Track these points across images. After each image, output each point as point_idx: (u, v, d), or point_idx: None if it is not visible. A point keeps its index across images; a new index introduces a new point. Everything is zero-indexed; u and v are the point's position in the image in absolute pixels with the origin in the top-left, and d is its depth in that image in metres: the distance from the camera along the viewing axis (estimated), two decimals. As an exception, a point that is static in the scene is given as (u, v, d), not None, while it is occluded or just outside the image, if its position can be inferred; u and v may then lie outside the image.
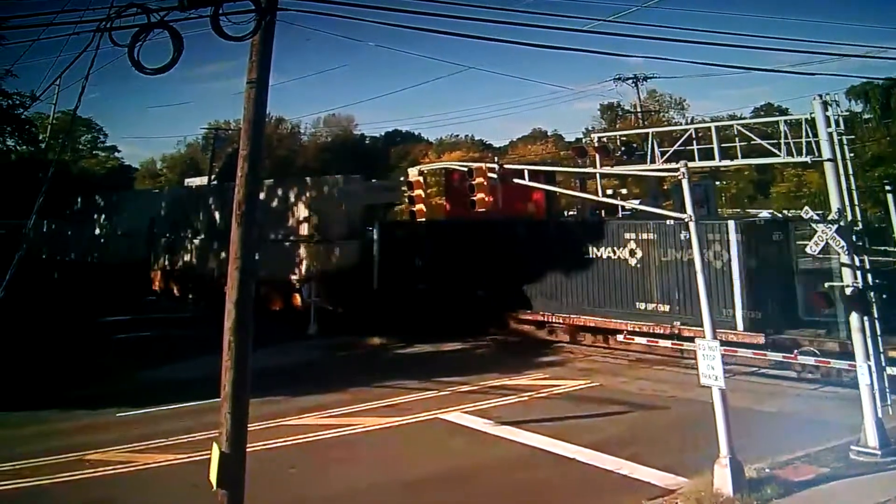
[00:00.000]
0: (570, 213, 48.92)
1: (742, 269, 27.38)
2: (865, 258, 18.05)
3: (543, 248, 34.89)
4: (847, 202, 17.93)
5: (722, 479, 15.38)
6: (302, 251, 44.89)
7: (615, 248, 31.42)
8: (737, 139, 21.94)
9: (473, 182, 22.31)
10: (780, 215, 32.90)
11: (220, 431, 11.77)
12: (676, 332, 28.25)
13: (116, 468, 19.21)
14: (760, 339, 26.45)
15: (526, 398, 25.00)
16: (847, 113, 22.88)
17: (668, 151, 22.79)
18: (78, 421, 23.68)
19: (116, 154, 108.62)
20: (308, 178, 50.39)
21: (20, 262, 17.66)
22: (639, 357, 29.90)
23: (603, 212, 39.03)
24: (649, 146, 23.37)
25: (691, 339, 21.39)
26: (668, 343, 28.27)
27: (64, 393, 26.43)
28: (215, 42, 11.77)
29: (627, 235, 30.83)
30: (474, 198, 22.27)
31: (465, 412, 23.29)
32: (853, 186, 18.12)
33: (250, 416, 12.04)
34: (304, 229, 45.17)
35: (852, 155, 18.66)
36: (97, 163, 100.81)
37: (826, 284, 20.43)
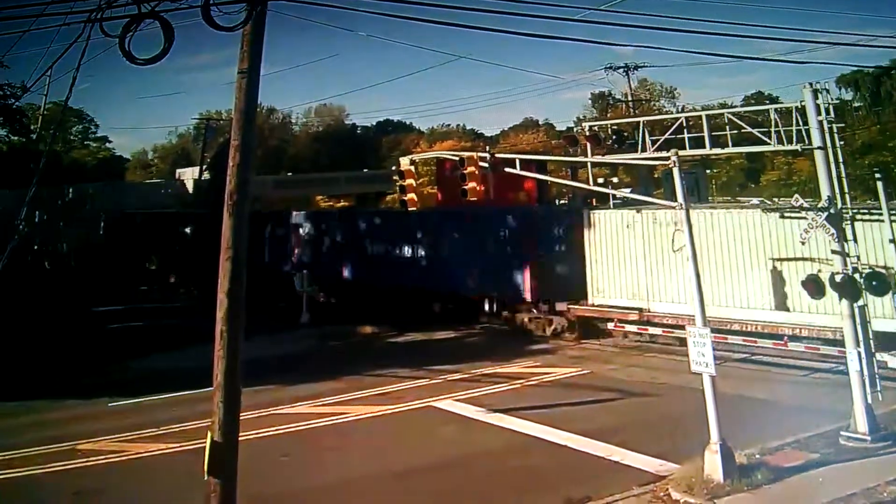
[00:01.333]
0: (562, 201, 48.89)
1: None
2: (855, 245, 18.13)
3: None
4: (837, 190, 18.00)
5: (712, 465, 15.47)
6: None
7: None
8: (727, 127, 21.94)
9: (465, 171, 22.30)
10: (769, 203, 32.93)
11: (212, 420, 11.82)
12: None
13: (108, 458, 19.27)
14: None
15: (517, 386, 25.09)
16: (837, 101, 22.93)
17: (658, 140, 22.81)
18: (70, 411, 23.74)
19: (108, 145, 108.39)
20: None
21: (12, 252, 17.64)
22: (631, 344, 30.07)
23: (594, 200, 39.07)
24: (640, 135, 23.38)
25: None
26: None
27: (56, 382, 26.47)
28: (206, 32, 11.76)
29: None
30: (465, 187, 22.25)
31: (457, 400, 23.38)
32: (843, 174, 18.17)
33: (243, 405, 12.08)
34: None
35: (842, 143, 18.71)
36: (88, 153, 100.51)
37: (817, 270, 20.54)
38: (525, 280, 33.40)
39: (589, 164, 25.40)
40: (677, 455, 16.90)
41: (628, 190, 38.87)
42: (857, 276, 17.72)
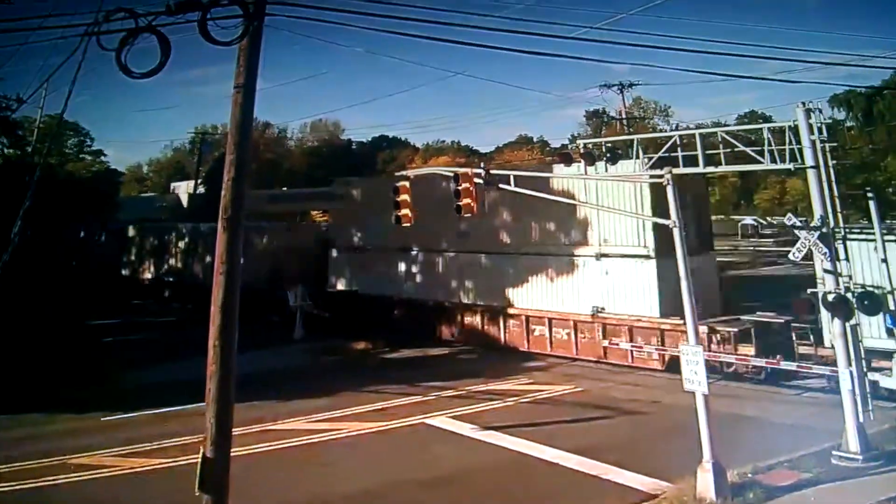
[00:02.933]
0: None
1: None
2: (847, 264, 18.21)
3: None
4: (829, 209, 18.09)
5: (705, 483, 15.49)
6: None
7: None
8: (721, 146, 22.10)
9: (459, 187, 22.33)
10: (763, 222, 33.15)
11: (204, 436, 11.81)
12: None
13: (101, 472, 19.21)
14: None
15: (510, 403, 25.09)
16: (830, 121, 23.06)
17: (653, 157, 22.94)
18: (63, 424, 23.65)
19: (103, 158, 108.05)
20: None
21: (6, 266, 17.62)
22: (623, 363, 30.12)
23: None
24: (634, 152, 23.53)
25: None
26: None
27: (49, 396, 26.34)
28: (203, 46, 11.81)
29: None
30: (460, 203, 22.29)
31: (451, 417, 23.36)
32: (836, 193, 18.29)
33: (236, 421, 12.08)
34: None
35: (835, 162, 18.81)
36: (84, 166, 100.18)
37: (808, 291, 20.61)
38: None
39: (585, 181, 25.53)
40: (670, 473, 16.91)
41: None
42: (849, 295, 17.81)
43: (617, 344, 29.72)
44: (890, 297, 19.21)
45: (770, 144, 20.44)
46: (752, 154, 21.29)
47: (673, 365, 25.14)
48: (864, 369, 17.95)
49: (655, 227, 28.09)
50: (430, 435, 22.07)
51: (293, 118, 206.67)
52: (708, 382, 16.11)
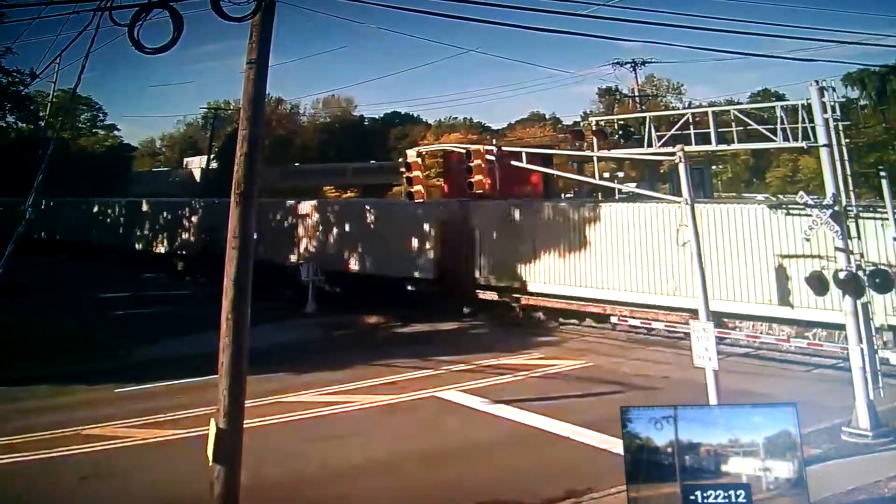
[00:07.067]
0: (568, 195, 49.07)
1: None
2: (859, 242, 18.21)
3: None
4: (842, 187, 18.06)
5: (713, 459, 15.55)
6: None
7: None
8: (733, 124, 22.07)
9: (471, 164, 22.36)
10: (774, 200, 33.17)
11: (217, 408, 11.94)
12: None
13: (114, 443, 19.33)
14: None
15: (521, 377, 25.15)
16: (843, 99, 22.99)
17: (665, 135, 22.92)
18: (76, 396, 23.78)
19: (116, 133, 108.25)
20: None
21: (19, 239, 17.69)
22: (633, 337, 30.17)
23: (599, 194, 39.13)
24: (646, 130, 23.50)
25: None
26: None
27: (62, 368, 26.50)
28: (215, 22, 11.85)
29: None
30: (472, 179, 22.31)
31: (461, 391, 23.46)
32: (848, 172, 18.25)
33: (248, 393, 12.19)
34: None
35: (847, 140, 18.76)
36: (96, 141, 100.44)
37: (820, 267, 20.59)
38: None
39: (595, 159, 25.54)
40: (679, 448, 16.94)
41: (634, 185, 39.00)
42: (860, 273, 17.81)
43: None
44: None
45: (783, 123, 20.41)
46: (765, 132, 21.26)
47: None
48: (875, 347, 17.98)
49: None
50: (441, 408, 22.18)
51: (306, 94, 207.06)
52: (718, 358, 16.19)
